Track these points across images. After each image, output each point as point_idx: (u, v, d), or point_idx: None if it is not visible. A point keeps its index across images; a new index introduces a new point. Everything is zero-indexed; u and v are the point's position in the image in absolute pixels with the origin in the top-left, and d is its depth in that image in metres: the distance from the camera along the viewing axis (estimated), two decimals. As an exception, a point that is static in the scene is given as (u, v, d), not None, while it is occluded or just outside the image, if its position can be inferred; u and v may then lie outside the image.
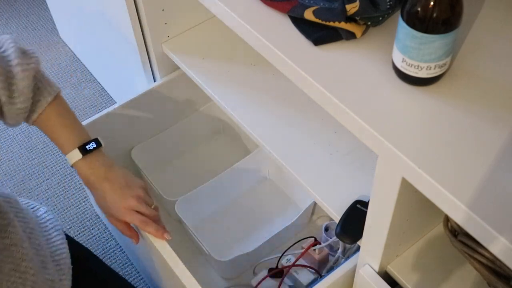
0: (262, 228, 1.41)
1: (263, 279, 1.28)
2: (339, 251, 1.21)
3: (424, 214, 0.86)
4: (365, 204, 0.93)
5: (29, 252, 0.90)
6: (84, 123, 1.30)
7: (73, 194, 1.74)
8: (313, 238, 1.30)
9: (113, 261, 1.59)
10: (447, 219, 0.81)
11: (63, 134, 0.95)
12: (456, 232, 0.80)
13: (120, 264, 1.58)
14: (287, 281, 1.29)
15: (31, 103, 0.92)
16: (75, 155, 0.94)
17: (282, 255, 1.30)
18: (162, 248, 1.00)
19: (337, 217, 0.96)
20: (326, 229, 1.32)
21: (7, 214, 0.89)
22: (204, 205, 1.43)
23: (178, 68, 1.31)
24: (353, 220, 0.93)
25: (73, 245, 1.08)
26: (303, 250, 1.26)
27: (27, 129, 1.92)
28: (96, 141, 0.97)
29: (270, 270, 1.30)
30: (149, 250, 1.09)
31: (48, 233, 1.02)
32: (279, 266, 1.29)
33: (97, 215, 1.68)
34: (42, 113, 0.94)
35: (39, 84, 0.94)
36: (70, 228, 1.65)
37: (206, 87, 1.20)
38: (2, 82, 0.86)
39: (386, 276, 0.91)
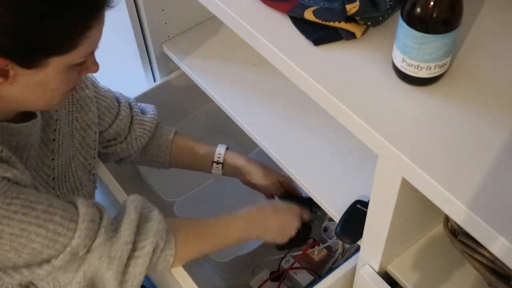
0: (261, 229, 1.41)
1: (264, 282, 1.28)
2: (338, 252, 1.21)
3: (424, 214, 0.86)
4: (365, 204, 0.93)
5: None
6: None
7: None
8: (312, 239, 1.30)
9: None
10: (447, 219, 0.82)
11: (203, 145, 1.15)
12: (456, 232, 0.80)
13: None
14: (286, 282, 1.28)
15: (156, 126, 1.12)
16: (221, 148, 1.14)
17: (283, 258, 1.29)
18: None
19: (337, 217, 0.96)
20: (325, 229, 1.31)
21: None
22: (203, 206, 1.42)
23: (178, 68, 1.31)
24: (353, 220, 0.93)
25: None
26: (301, 251, 1.26)
27: (27, 129, 1.92)
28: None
29: (271, 273, 1.30)
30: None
31: None
32: (280, 269, 1.29)
33: (97, 215, 1.67)
34: (176, 134, 1.14)
35: (161, 124, 1.16)
36: (70, 228, 1.65)
37: (206, 87, 1.20)
38: (138, 105, 1.14)
39: (386, 276, 0.91)
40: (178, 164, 1.16)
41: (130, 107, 1.10)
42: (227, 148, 1.14)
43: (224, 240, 0.97)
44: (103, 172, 1.10)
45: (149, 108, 1.15)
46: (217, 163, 1.12)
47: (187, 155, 1.15)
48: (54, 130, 0.90)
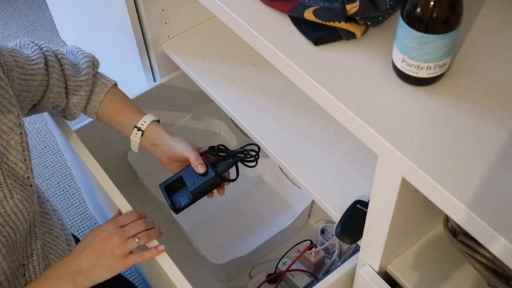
0: (258, 231, 1.40)
1: (261, 284, 1.27)
2: (335, 254, 1.20)
3: (424, 214, 0.86)
4: (365, 204, 0.93)
5: (56, 224, 1.02)
6: (82, 123, 1.30)
7: (73, 194, 1.73)
8: (309, 241, 1.29)
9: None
10: (447, 219, 0.82)
11: (133, 106, 1.09)
12: (456, 232, 0.80)
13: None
14: (283, 284, 1.28)
15: (92, 83, 1.06)
16: (149, 117, 1.07)
17: (280, 260, 1.29)
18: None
19: (337, 217, 0.96)
20: (322, 231, 1.31)
21: (37, 188, 1.01)
22: (200, 208, 1.41)
23: (178, 68, 1.31)
24: (353, 220, 0.93)
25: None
26: (299, 254, 1.26)
27: (28, 129, 1.92)
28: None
29: (268, 276, 1.29)
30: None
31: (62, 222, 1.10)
32: (277, 271, 1.28)
33: (97, 215, 1.68)
34: (108, 93, 1.07)
35: (98, 75, 1.08)
36: (70, 228, 1.65)
37: (206, 87, 1.20)
38: (70, 62, 1.04)
39: (386, 276, 0.91)
40: (105, 122, 1.11)
41: (62, 68, 1.03)
42: (157, 121, 1.07)
43: None
44: (100, 174, 1.10)
45: (82, 62, 1.06)
46: (138, 129, 1.05)
47: (113, 117, 1.09)
48: None
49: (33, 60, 0.99)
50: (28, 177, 0.90)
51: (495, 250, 0.60)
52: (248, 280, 1.32)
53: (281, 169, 1.42)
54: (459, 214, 0.62)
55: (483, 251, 0.74)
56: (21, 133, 0.89)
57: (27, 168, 0.90)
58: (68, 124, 1.14)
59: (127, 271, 1.56)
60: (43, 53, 1.01)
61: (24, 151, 0.90)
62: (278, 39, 0.80)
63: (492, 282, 0.76)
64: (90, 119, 1.30)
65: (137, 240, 0.94)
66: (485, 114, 0.69)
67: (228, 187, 1.42)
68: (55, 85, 1.01)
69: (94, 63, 1.08)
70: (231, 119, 1.49)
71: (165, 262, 0.97)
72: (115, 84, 1.10)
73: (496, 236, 0.58)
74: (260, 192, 1.49)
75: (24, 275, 0.93)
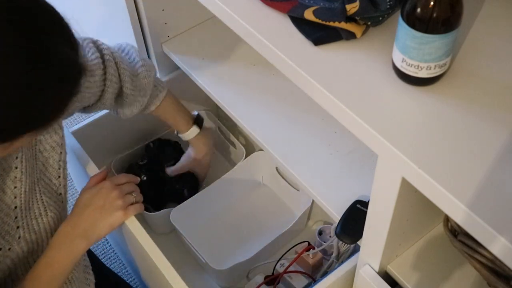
0: (258, 235, 1.39)
1: (259, 286, 1.27)
2: (333, 255, 1.20)
3: (424, 214, 0.86)
4: (365, 204, 0.93)
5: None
6: (81, 124, 1.30)
7: (73, 194, 1.73)
8: (306, 243, 1.29)
9: (113, 261, 1.59)
10: (447, 219, 0.82)
11: (180, 117, 1.21)
12: (456, 232, 0.80)
13: (121, 265, 1.58)
14: (280, 286, 1.27)
15: (149, 98, 1.11)
16: (194, 129, 1.23)
17: (278, 262, 1.28)
18: (157, 258, 0.98)
19: (337, 217, 0.96)
20: (320, 233, 1.30)
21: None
22: (199, 214, 1.40)
23: (178, 68, 1.31)
24: (353, 220, 0.93)
25: None
26: (296, 255, 1.25)
27: (27, 129, 1.92)
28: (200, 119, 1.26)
29: (266, 277, 1.29)
30: (144, 260, 1.07)
31: None
32: (275, 273, 1.28)
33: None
34: (160, 105, 1.15)
35: (155, 82, 1.13)
36: (70, 228, 1.65)
37: (206, 87, 1.20)
38: (129, 77, 1.04)
39: (386, 276, 0.91)
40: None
41: (120, 79, 1.03)
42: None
43: (61, 274, 0.90)
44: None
45: (140, 71, 1.07)
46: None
47: (164, 120, 1.22)
48: (16, 158, 0.84)
49: (91, 69, 0.96)
50: (60, 194, 0.92)
51: (495, 250, 0.60)
52: (246, 282, 1.32)
53: (278, 171, 1.42)
54: (459, 214, 0.62)
55: (483, 251, 0.74)
56: (61, 152, 0.91)
57: (60, 185, 0.92)
58: (65, 126, 1.14)
59: (129, 276, 1.56)
60: (102, 58, 0.99)
61: (59, 168, 0.92)
62: (278, 39, 0.80)
63: (492, 282, 0.76)
64: (87, 120, 1.30)
65: (134, 195, 1.00)
66: (485, 114, 0.69)
67: (226, 192, 1.42)
68: (108, 98, 1.02)
69: (150, 71, 1.09)
70: (226, 120, 1.49)
71: (167, 270, 0.96)
72: (167, 91, 1.16)
73: (496, 236, 0.58)
74: (259, 195, 1.47)
75: None
